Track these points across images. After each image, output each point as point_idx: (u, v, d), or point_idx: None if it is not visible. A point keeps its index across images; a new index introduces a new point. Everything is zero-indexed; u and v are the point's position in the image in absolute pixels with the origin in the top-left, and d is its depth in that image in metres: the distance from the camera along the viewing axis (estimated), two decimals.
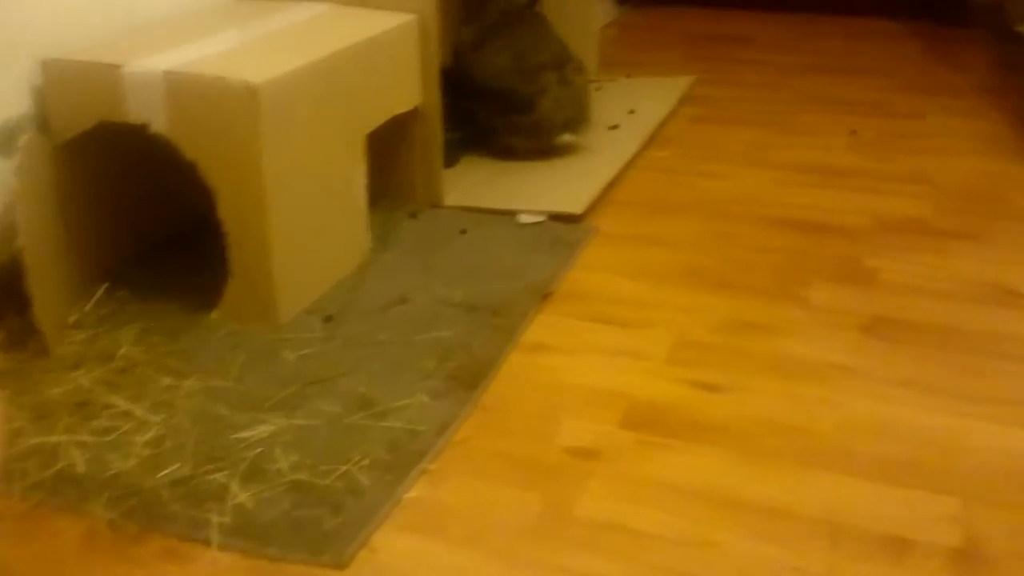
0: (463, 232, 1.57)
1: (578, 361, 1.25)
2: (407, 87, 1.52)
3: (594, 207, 1.68)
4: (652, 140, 2.00)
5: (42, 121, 1.26)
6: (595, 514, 0.98)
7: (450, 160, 1.77)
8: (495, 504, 0.99)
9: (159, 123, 1.21)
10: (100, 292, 1.35)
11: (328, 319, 1.31)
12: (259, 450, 1.05)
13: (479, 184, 1.75)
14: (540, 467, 1.05)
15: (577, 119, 1.90)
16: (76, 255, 1.32)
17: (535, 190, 1.73)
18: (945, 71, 2.44)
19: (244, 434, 1.07)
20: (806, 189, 1.76)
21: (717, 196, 1.74)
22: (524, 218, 1.62)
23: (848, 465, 1.05)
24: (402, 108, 1.51)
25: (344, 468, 1.02)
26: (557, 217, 1.63)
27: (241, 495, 0.98)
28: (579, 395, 1.17)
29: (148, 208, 1.45)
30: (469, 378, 1.19)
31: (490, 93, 1.84)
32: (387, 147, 1.61)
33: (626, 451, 1.07)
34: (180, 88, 1.19)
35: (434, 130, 1.62)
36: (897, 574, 0.90)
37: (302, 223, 1.30)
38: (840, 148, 1.95)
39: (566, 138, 1.87)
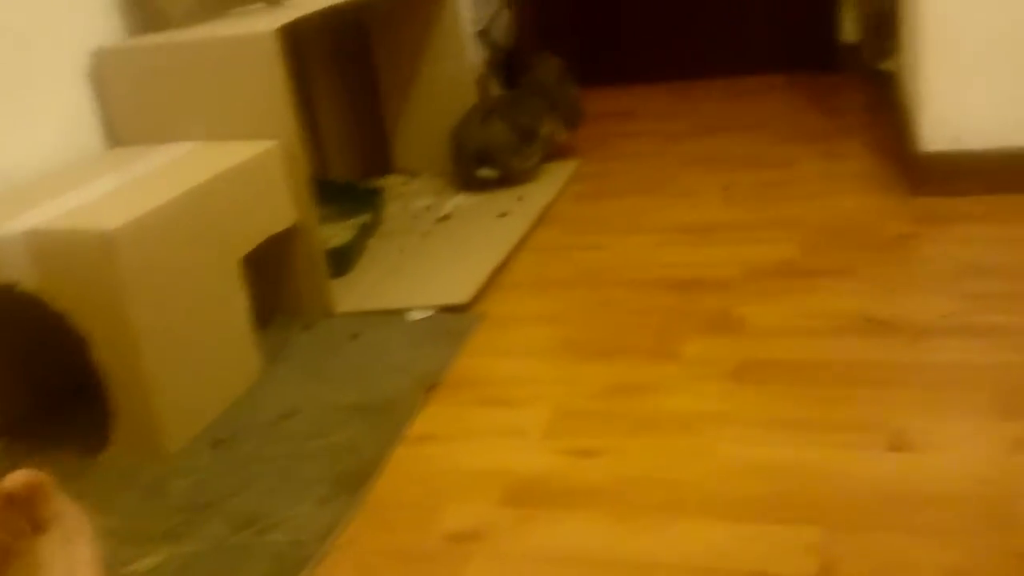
0: (354, 337, 1.62)
1: (461, 447, 1.29)
2: (278, 207, 1.58)
3: (482, 293, 1.74)
4: (540, 221, 2.08)
5: None
6: None
7: (340, 269, 1.83)
8: None
9: (28, 281, 1.25)
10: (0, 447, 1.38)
11: (217, 443, 1.34)
12: None
13: (370, 287, 1.81)
14: (421, 557, 1.08)
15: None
16: None
17: (424, 285, 1.79)
18: (816, 117, 2.57)
19: (131, 567, 1.09)
20: (681, 248, 1.84)
21: (598, 266, 1.81)
22: (414, 315, 1.68)
23: (713, 510, 1.09)
24: (277, 228, 1.58)
25: None
26: (446, 309, 1.68)
27: None
28: (461, 480, 1.21)
29: (40, 361, 1.48)
30: (355, 479, 1.22)
31: None
32: (274, 266, 1.67)
33: (505, 528, 1.11)
34: (42, 245, 1.24)
35: (315, 244, 1.68)
36: None
37: (181, 355, 1.34)
38: (714, 205, 2.04)
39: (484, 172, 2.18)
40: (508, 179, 2.27)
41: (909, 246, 1.73)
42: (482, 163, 2.25)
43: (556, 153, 2.43)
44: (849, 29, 2.89)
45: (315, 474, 1.24)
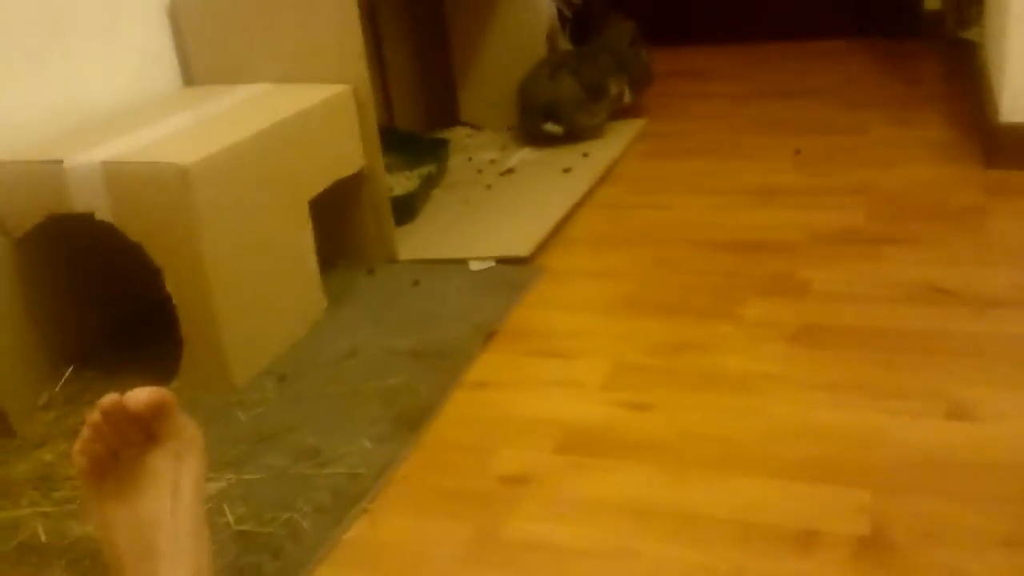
0: (416, 283, 1.65)
1: (517, 395, 1.31)
2: (348, 152, 1.61)
3: (543, 247, 1.75)
4: (603, 179, 2.07)
5: None
6: (522, 535, 1.03)
7: (403, 217, 1.86)
8: (428, 535, 1.05)
9: (103, 211, 1.29)
10: (68, 374, 1.43)
11: (282, 378, 1.38)
12: (208, 506, 1.11)
13: (432, 236, 1.83)
14: (473, 497, 1.10)
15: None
16: (42, 341, 1.40)
17: (486, 237, 1.80)
18: (892, 84, 2.51)
19: None
20: (747, 211, 1.83)
21: (661, 226, 1.80)
22: (474, 265, 1.70)
23: (765, 468, 1.10)
24: (345, 172, 1.60)
25: (287, 516, 1.08)
26: (506, 261, 1.70)
27: None
28: (516, 426, 1.23)
29: (110, 290, 1.54)
30: (412, 420, 1.25)
31: None
32: (340, 210, 1.70)
33: (556, 474, 1.13)
34: (118, 176, 1.28)
35: (381, 190, 1.70)
36: (804, 566, 0.94)
37: (249, 291, 1.38)
38: (782, 169, 2.02)
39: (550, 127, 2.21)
40: (573, 135, 2.26)
41: (979, 218, 1.69)
42: (548, 118, 2.25)
43: (623, 113, 2.41)
44: None
45: (374, 413, 1.27)
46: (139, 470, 0.82)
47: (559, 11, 2.96)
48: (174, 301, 1.32)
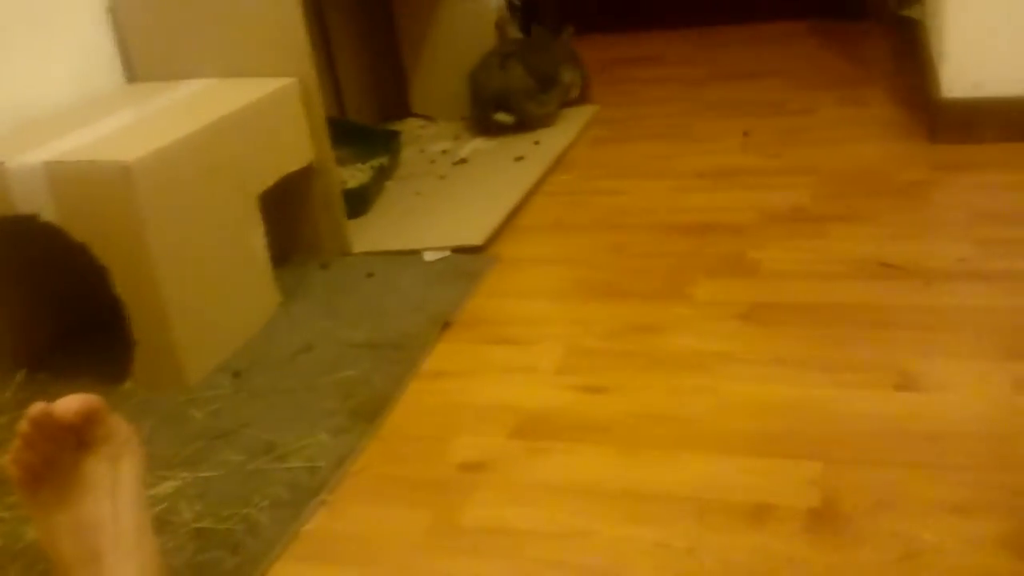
0: (370, 275, 1.64)
1: (473, 383, 1.31)
2: (296, 146, 1.60)
3: (497, 236, 1.75)
4: (556, 166, 2.08)
5: None
6: (480, 521, 1.04)
7: (356, 210, 1.85)
8: (387, 525, 1.05)
9: (47, 212, 1.27)
10: (19, 378, 1.41)
11: (236, 375, 1.37)
12: (164, 505, 1.10)
13: (386, 228, 1.83)
14: (431, 485, 1.11)
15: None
16: None
17: (440, 227, 1.80)
18: (839, 65, 2.54)
19: (150, 492, 1.12)
20: (698, 193, 1.84)
21: (614, 210, 1.82)
22: (429, 255, 1.69)
23: (719, 444, 1.11)
24: (294, 166, 1.59)
25: (244, 511, 1.08)
26: (460, 250, 1.70)
27: None
28: (472, 413, 1.24)
29: (60, 292, 1.51)
30: (369, 412, 1.25)
31: None
32: (292, 205, 1.69)
33: (512, 459, 1.13)
34: (61, 176, 1.26)
35: (332, 183, 1.69)
36: (758, 539, 0.96)
37: (200, 288, 1.37)
38: (733, 150, 2.04)
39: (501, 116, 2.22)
40: (525, 124, 2.27)
41: (925, 192, 1.72)
42: (499, 107, 2.25)
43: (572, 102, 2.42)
44: None
45: (330, 406, 1.27)
46: (75, 475, 0.82)
47: (508, 3, 2.96)
48: (123, 301, 1.31)
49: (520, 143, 2.20)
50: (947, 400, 1.14)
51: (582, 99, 2.43)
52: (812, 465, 1.05)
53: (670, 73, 2.68)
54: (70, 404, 0.80)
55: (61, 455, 0.81)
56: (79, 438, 0.82)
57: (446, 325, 1.46)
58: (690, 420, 1.16)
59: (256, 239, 1.50)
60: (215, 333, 1.40)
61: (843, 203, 1.71)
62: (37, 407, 0.79)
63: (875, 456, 1.06)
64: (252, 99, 1.49)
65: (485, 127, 2.29)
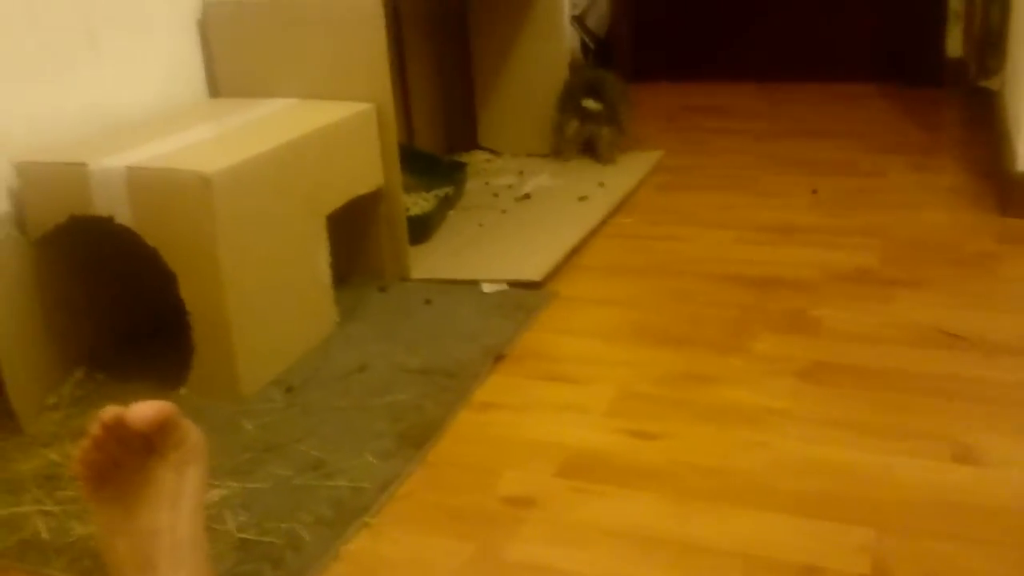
0: (427, 302, 1.65)
1: (523, 417, 1.31)
2: (367, 170, 1.62)
3: (556, 273, 1.76)
4: (619, 208, 2.08)
5: (19, 219, 1.37)
6: (524, 557, 1.03)
7: (418, 237, 1.87)
8: (429, 553, 1.05)
9: (123, 215, 1.31)
10: (78, 375, 1.44)
11: (289, 390, 1.38)
12: (210, 512, 1.11)
13: (447, 257, 1.84)
14: (476, 516, 1.10)
15: None
16: (55, 341, 1.41)
17: (500, 260, 1.81)
18: (912, 129, 2.51)
19: None
20: (762, 247, 1.83)
21: (675, 257, 1.81)
22: (487, 287, 1.70)
23: (769, 502, 1.09)
24: (363, 190, 1.62)
25: (288, 525, 1.09)
26: (518, 284, 1.70)
27: None
28: (520, 448, 1.23)
29: (125, 294, 1.55)
30: (417, 437, 1.25)
31: None
32: (356, 226, 1.71)
33: (559, 498, 1.13)
34: (141, 181, 1.29)
35: (398, 208, 1.71)
36: None
37: (262, 302, 1.39)
38: (800, 207, 2.02)
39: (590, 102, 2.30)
40: (609, 119, 2.31)
41: (993, 265, 1.69)
42: (590, 93, 2.31)
43: (640, 144, 2.42)
44: (954, 44, 2.82)
45: (380, 428, 1.27)
46: (139, 480, 0.82)
47: (582, 42, 2.99)
48: (187, 308, 1.33)
49: (584, 183, 2.21)
50: (1006, 476, 1.11)
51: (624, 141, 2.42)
52: (864, 531, 1.03)
53: (737, 125, 2.68)
54: (144, 413, 0.79)
55: (129, 459, 0.82)
56: (149, 443, 0.83)
57: (499, 357, 1.46)
58: (741, 474, 1.15)
59: (320, 258, 1.52)
60: (273, 347, 1.42)
61: (909, 268, 1.69)
62: (110, 412, 0.79)
63: (929, 527, 1.03)
64: (329, 121, 1.52)
65: (575, 112, 2.31)
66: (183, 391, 1.38)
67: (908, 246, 1.78)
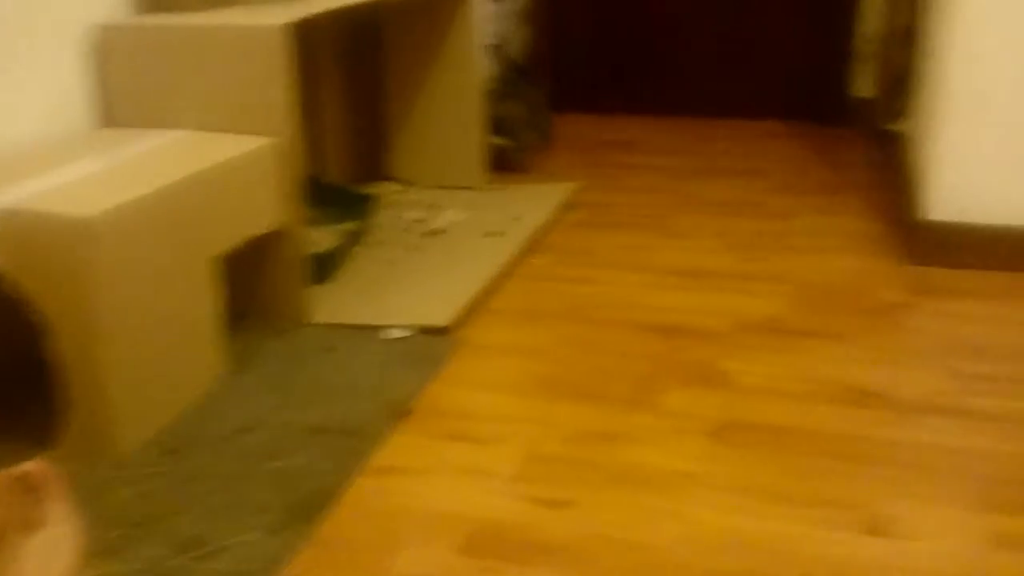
0: (327, 350, 1.57)
1: (425, 483, 1.23)
2: (264, 209, 1.53)
3: (465, 317, 1.69)
4: (531, 247, 2.03)
5: None
6: None
7: (321, 275, 1.78)
8: None
9: None
10: None
11: (171, 452, 1.28)
12: None
13: (350, 299, 1.76)
14: None
15: None
16: None
17: (406, 303, 1.74)
18: (820, 171, 2.53)
19: None
20: (674, 292, 1.80)
21: (587, 302, 1.76)
22: (391, 333, 1.63)
23: None
24: (259, 230, 1.52)
25: None
26: (425, 330, 1.63)
27: None
28: (421, 521, 1.16)
29: None
30: (308, 509, 1.16)
31: None
32: (252, 265, 1.62)
33: None
34: (16, 224, 1.18)
35: (298, 248, 1.62)
36: None
37: (144, 352, 1.28)
38: (711, 249, 2.00)
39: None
40: (515, 155, 2.51)
41: (902, 316, 1.69)
42: (498, 131, 2.44)
43: (554, 175, 2.39)
44: (862, 85, 2.87)
45: (268, 499, 1.18)
46: (10, 555, 0.72)
47: (503, 72, 2.94)
48: (61, 362, 1.22)
49: (498, 217, 2.15)
50: (919, 550, 1.09)
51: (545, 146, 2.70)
52: None
53: (650, 161, 2.66)
54: (34, 467, 0.69)
55: (10, 528, 0.71)
56: (29, 517, 0.72)
57: (402, 414, 1.39)
58: (653, 549, 1.10)
59: (209, 303, 1.42)
60: (154, 401, 1.32)
61: (819, 318, 1.68)
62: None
63: None
64: (225, 157, 1.43)
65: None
66: (53, 452, 1.26)
67: (818, 294, 1.78)
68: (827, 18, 2.86)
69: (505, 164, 2.49)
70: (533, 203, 2.25)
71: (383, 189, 2.37)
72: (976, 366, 1.49)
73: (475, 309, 1.73)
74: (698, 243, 2.04)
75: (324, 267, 1.81)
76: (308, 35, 2.14)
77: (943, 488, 1.19)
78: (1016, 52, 1.73)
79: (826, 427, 1.34)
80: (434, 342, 1.59)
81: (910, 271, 1.86)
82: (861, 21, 2.81)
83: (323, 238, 1.95)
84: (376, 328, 1.64)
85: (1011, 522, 1.11)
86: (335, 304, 1.73)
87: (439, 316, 1.66)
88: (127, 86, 1.62)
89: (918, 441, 1.30)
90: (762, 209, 2.24)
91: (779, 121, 2.96)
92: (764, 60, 2.98)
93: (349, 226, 2.00)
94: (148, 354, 1.29)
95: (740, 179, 2.46)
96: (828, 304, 1.73)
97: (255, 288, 1.64)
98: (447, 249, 2.00)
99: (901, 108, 2.61)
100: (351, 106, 2.38)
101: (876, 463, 1.26)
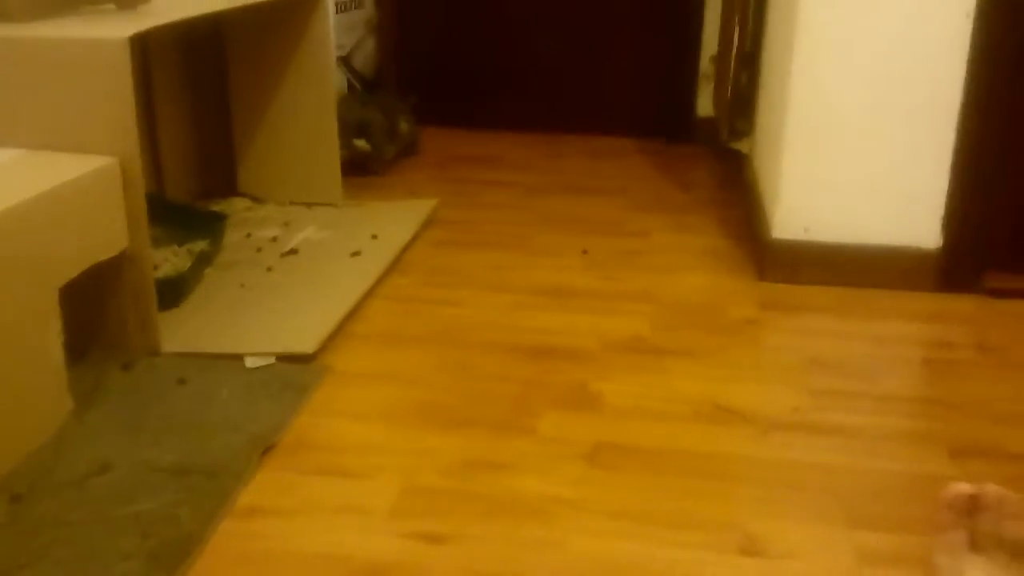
0: (181, 382, 1.47)
1: (296, 524, 1.17)
2: (108, 232, 1.42)
3: (330, 342, 1.63)
4: (394, 266, 1.99)
5: None
6: None
7: (170, 301, 1.68)
8: None
9: None
10: None
11: (15, 499, 1.17)
12: None
13: (203, 325, 1.66)
14: None
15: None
16: None
17: (266, 328, 1.66)
18: (672, 188, 2.61)
19: None
20: (539, 312, 1.80)
21: (453, 324, 1.74)
22: (251, 361, 1.55)
23: None
24: (104, 255, 1.42)
25: None
26: (287, 358, 1.56)
27: None
28: (295, 565, 1.10)
29: None
30: (171, 558, 1.08)
31: None
32: (94, 293, 1.50)
33: None
34: None
35: (144, 273, 1.52)
36: None
37: None
38: (572, 268, 2.02)
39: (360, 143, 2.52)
40: (375, 159, 2.57)
41: (756, 332, 1.75)
42: (360, 134, 2.49)
43: (413, 191, 2.35)
44: (705, 104, 2.98)
45: (125, 547, 1.09)
46: None
47: (348, 83, 2.88)
48: None
49: (357, 235, 2.09)
50: (791, 568, 1.12)
51: (414, 151, 2.80)
52: None
53: (508, 177, 2.67)
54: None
55: None
56: None
57: (267, 449, 1.32)
58: None
59: (51, 337, 1.31)
60: None
61: (679, 336, 1.72)
62: None
63: None
64: (65, 180, 1.32)
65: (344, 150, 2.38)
66: None
67: (676, 312, 1.82)
68: (674, 37, 2.96)
69: (360, 168, 2.55)
70: (392, 220, 2.21)
71: (232, 206, 2.27)
72: (829, 382, 1.56)
73: (339, 334, 1.67)
74: (559, 261, 2.06)
75: (173, 291, 1.70)
76: (144, 43, 2.03)
77: (809, 506, 1.24)
78: (855, 76, 1.83)
79: (695, 446, 1.37)
80: (298, 371, 1.53)
81: (761, 288, 1.93)
82: (705, 42, 2.92)
83: (169, 259, 1.85)
84: (233, 357, 1.55)
85: (876, 538, 1.17)
86: (187, 331, 1.63)
87: (302, 342, 1.59)
88: None
89: (780, 458, 1.35)
90: (619, 227, 2.28)
91: (630, 138, 3.03)
92: (614, 77, 3.05)
93: (198, 246, 1.89)
94: None
95: (597, 196, 2.50)
96: (687, 321, 1.78)
97: (99, 317, 1.53)
98: (305, 270, 1.93)
99: (742, 128, 2.73)
100: (192, 119, 2.27)
101: (743, 482, 1.29)
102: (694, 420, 1.44)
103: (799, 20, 1.83)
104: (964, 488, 0.74)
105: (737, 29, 2.66)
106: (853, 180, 1.89)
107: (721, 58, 2.78)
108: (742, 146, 2.71)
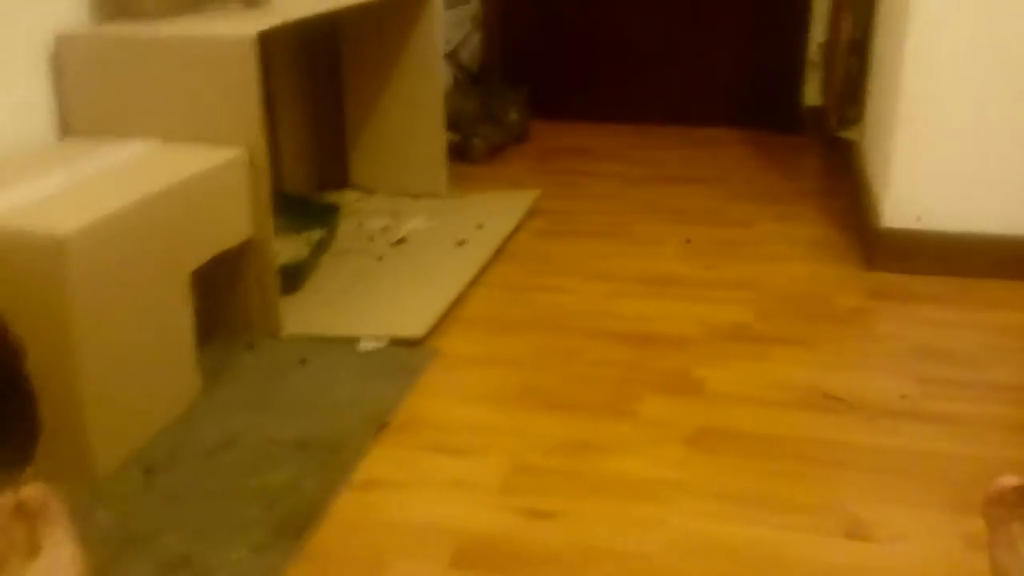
0: (302, 362, 1.55)
1: (411, 496, 1.23)
2: (236, 221, 1.51)
3: (438, 327, 1.69)
4: (498, 255, 2.04)
5: None
6: None
7: (290, 286, 1.77)
8: None
9: None
10: None
11: (149, 470, 1.26)
12: None
13: (320, 309, 1.75)
14: None
15: None
16: None
17: (378, 314, 1.73)
18: (776, 178, 2.59)
19: None
20: (641, 300, 1.82)
21: (556, 311, 1.78)
22: (365, 345, 1.62)
23: None
24: (231, 242, 1.50)
25: None
26: (398, 341, 1.63)
27: None
28: (409, 534, 1.16)
29: None
30: (295, 526, 1.16)
31: None
32: (221, 279, 1.59)
33: None
34: None
35: (268, 259, 1.61)
36: None
37: (118, 371, 1.26)
38: (673, 256, 2.03)
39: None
40: (469, 149, 2.66)
41: (864, 321, 1.74)
42: (449, 126, 2.46)
43: (517, 182, 2.40)
44: (812, 93, 2.93)
45: (253, 516, 1.17)
46: None
47: (455, 78, 2.94)
48: (34, 381, 1.19)
49: (462, 225, 2.15)
50: (898, 552, 1.12)
51: (524, 139, 2.88)
52: None
53: (608, 168, 2.69)
54: (32, 492, 0.66)
55: (8, 553, 0.68)
56: (30, 541, 0.70)
57: (382, 426, 1.38)
58: (641, 558, 1.11)
59: (183, 319, 1.40)
60: (130, 420, 1.30)
61: (784, 324, 1.71)
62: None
63: None
64: (197, 170, 1.41)
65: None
66: (27, 473, 1.23)
67: (781, 300, 1.81)
68: (779, 26, 2.93)
69: (458, 155, 2.61)
70: (496, 210, 2.26)
71: (344, 197, 2.35)
72: (938, 370, 1.54)
73: (447, 319, 1.73)
74: (659, 250, 2.07)
75: (293, 278, 1.79)
76: (266, 42, 2.12)
77: (915, 491, 1.23)
78: (967, 61, 1.79)
79: (798, 432, 1.37)
80: (409, 353, 1.59)
81: (868, 277, 1.91)
82: (812, 29, 2.87)
83: (288, 248, 1.94)
84: (349, 340, 1.63)
85: (981, 524, 1.15)
86: (306, 315, 1.71)
87: (412, 327, 1.66)
88: (89, 95, 1.58)
89: (888, 445, 1.34)
90: (720, 217, 2.27)
91: (732, 128, 3.01)
92: (716, 67, 3.04)
93: (315, 235, 1.98)
94: (124, 372, 1.27)
95: (696, 186, 2.50)
96: (792, 309, 1.77)
97: (225, 300, 1.62)
98: (414, 259, 1.99)
99: (852, 116, 2.68)
100: (309, 114, 2.36)
101: (848, 467, 1.29)
102: (799, 407, 1.44)
103: (912, 5, 1.79)
104: (1010, 480, 0.74)
105: (845, 15, 2.61)
106: (967, 168, 1.85)
107: (830, 45, 2.73)
108: (852, 134, 2.66)
